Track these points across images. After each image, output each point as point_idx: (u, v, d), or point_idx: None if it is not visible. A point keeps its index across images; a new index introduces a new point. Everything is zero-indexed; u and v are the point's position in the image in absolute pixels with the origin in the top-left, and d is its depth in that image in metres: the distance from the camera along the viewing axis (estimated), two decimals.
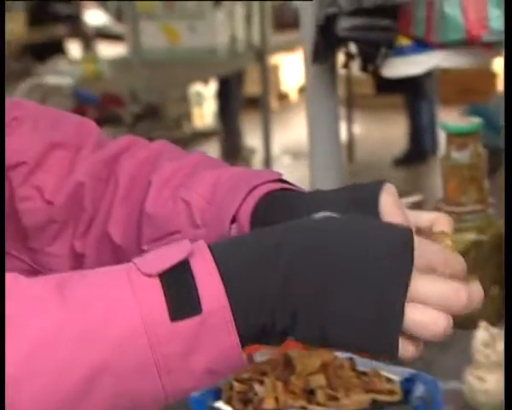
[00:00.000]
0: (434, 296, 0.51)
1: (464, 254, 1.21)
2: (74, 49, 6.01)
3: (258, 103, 4.36)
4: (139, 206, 0.70)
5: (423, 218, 0.60)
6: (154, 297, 0.49)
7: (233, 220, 0.65)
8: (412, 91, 4.75)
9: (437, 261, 0.52)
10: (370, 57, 1.23)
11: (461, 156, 1.18)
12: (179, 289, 0.49)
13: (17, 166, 0.73)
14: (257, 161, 4.87)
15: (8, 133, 0.74)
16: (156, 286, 0.50)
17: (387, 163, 4.80)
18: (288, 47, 4.96)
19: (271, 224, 0.61)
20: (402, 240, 0.51)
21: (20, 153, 0.73)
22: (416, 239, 0.52)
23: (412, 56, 1.19)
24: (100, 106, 2.72)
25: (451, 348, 1.16)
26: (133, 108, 2.89)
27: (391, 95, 5.37)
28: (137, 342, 0.49)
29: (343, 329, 0.50)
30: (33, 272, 0.75)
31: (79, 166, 0.73)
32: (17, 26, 5.19)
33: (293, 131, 5.24)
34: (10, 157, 0.73)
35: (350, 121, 5.14)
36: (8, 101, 0.76)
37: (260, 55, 4.06)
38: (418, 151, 4.77)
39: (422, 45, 1.18)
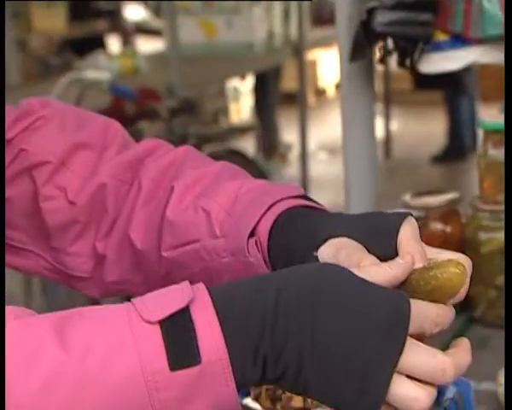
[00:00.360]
0: (421, 371, 0.52)
1: (500, 252, 1.19)
2: (114, 44, 6.06)
3: (295, 99, 4.35)
4: (160, 212, 0.70)
5: (442, 256, 0.59)
6: (154, 346, 0.50)
7: (251, 234, 0.64)
8: (452, 87, 4.69)
9: (428, 326, 0.53)
10: (407, 52, 1.22)
11: (497, 154, 1.16)
12: (179, 338, 0.50)
13: (41, 164, 0.73)
14: (293, 156, 4.87)
15: (34, 132, 0.74)
16: (156, 334, 0.50)
17: (425, 160, 4.75)
18: (326, 42, 4.94)
19: (288, 243, 0.62)
20: (400, 314, 0.52)
21: (45, 152, 0.73)
22: (411, 303, 0.52)
23: (450, 52, 1.17)
24: (137, 100, 2.73)
25: (487, 347, 1.14)
26: (170, 103, 2.90)
27: (429, 90, 5.31)
28: (136, 389, 0.49)
29: (326, 390, 0.51)
30: (55, 270, 0.76)
31: (103, 167, 0.73)
32: (58, 21, 5.25)
33: (330, 127, 5.22)
34: (35, 156, 0.73)
35: (387, 117, 5.10)
36: (37, 100, 0.77)
37: (298, 50, 4.04)
38: (457, 148, 4.72)
39: (460, 40, 1.16)
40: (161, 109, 2.85)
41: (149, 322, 0.50)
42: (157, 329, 0.50)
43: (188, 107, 3.02)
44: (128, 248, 0.72)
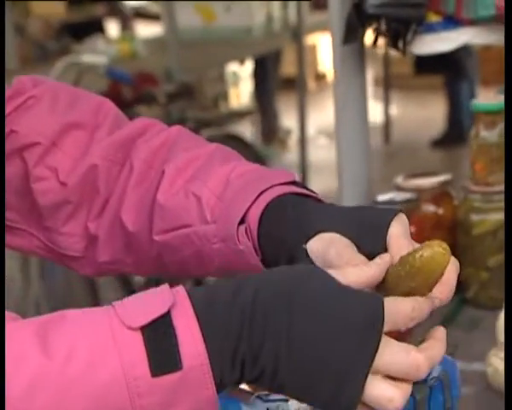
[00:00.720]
0: (395, 369, 0.53)
1: (492, 234, 1.20)
2: (113, 28, 6.04)
3: (295, 84, 4.34)
4: (152, 195, 0.70)
5: None
6: (136, 352, 0.50)
7: (242, 220, 0.64)
8: (452, 71, 4.67)
9: (402, 321, 0.54)
10: (400, 34, 1.21)
11: (489, 135, 1.16)
12: (160, 344, 0.50)
13: (32, 146, 0.73)
14: (293, 141, 4.86)
15: (25, 112, 0.74)
16: (138, 340, 0.50)
17: (424, 144, 4.75)
18: (326, 27, 4.91)
19: (278, 232, 0.63)
20: (373, 316, 0.52)
21: (35, 133, 0.73)
22: (385, 302, 0.53)
23: (442, 33, 1.17)
24: (134, 85, 2.72)
25: (478, 329, 1.14)
26: (167, 88, 2.89)
27: (429, 75, 5.29)
28: (118, 394, 0.50)
29: (302, 391, 0.52)
30: (48, 249, 0.76)
31: (94, 147, 0.73)
32: (56, 5, 5.23)
33: (329, 112, 5.20)
34: (25, 137, 0.73)
35: (387, 102, 5.08)
36: (28, 78, 0.76)
37: (297, 34, 4.03)
38: (457, 133, 4.71)
39: (453, 22, 1.16)
40: (159, 94, 2.85)
41: (131, 328, 0.50)
42: (138, 335, 0.50)
43: (185, 91, 3.01)
44: (119, 230, 0.72)
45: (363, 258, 0.58)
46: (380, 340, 0.52)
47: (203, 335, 0.51)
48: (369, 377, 0.52)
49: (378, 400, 0.52)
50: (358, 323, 0.52)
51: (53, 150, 0.73)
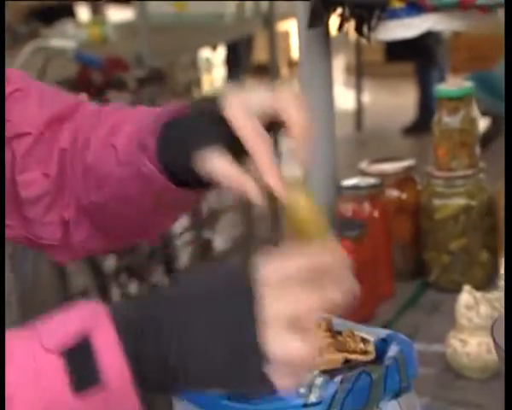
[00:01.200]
0: (291, 313, 0.53)
1: (453, 218, 1.21)
2: (84, 13, 5.98)
3: (268, 70, 4.33)
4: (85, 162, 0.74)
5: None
6: (55, 375, 0.51)
7: (144, 150, 0.69)
8: (423, 58, 4.70)
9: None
10: (364, 20, 1.22)
11: (451, 121, 1.17)
12: (80, 362, 0.52)
13: (21, 136, 0.74)
14: None
15: (13, 104, 0.75)
16: (58, 363, 0.51)
17: (396, 132, 4.77)
18: None
19: (172, 153, 0.68)
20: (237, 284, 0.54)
21: (24, 124, 0.74)
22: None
23: (405, 19, 1.18)
24: (104, 70, 2.70)
25: (439, 311, 1.16)
26: (138, 73, 2.87)
27: (401, 62, 5.32)
28: None
29: (218, 380, 0.54)
30: (26, 239, 0.77)
31: (63, 134, 0.75)
32: None
33: None
34: (15, 127, 0.74)
35: (359, 89, 5.10)
36: (16, 72, 0.78)
37: (268, 21, 4.02)
38: (427, 120, 4.73)
39: (416, 8, 1.16)
40: (129, 79, 2.82)
41: (51, 351, 0.51)
42: (59, 360, 0.51)
43: (156, 77, 2.99)
44: (82, 208, 0.74)
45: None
46: (251, 295, 0.53)
47: (125, 353, 0.52)
48: (270, 332, 0.52)
49: (286, 354, 0.52)
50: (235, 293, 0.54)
51: (38, 142, 0.74)
